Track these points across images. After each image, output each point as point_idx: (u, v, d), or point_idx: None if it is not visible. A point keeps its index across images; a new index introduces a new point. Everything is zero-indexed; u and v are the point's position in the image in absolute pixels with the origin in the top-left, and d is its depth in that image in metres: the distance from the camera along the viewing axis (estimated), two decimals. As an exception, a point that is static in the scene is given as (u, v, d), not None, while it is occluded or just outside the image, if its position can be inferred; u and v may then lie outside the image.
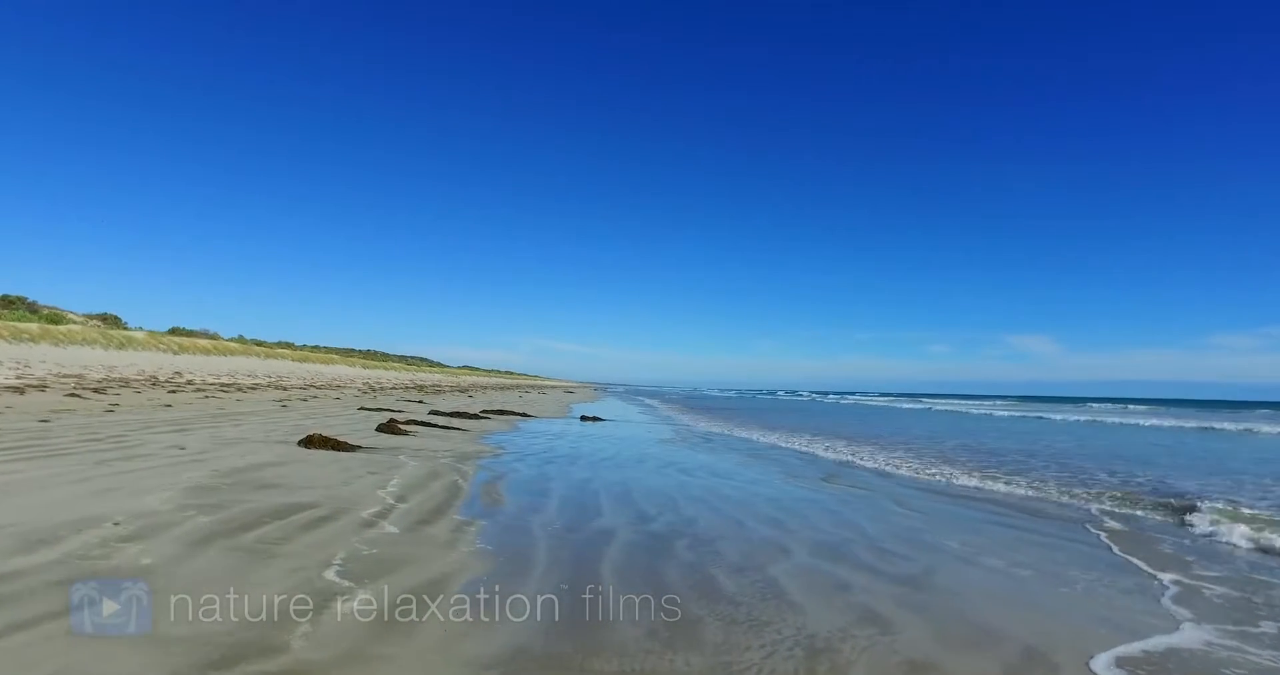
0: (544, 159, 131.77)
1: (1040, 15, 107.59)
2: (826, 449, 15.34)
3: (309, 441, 10.31)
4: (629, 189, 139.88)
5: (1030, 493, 9.74)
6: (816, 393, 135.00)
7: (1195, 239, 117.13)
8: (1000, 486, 10.20)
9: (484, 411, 21.74)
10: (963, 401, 76.89)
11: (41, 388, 16.70)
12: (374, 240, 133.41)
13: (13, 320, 28.79)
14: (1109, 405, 64.92)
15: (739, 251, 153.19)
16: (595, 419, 23.73)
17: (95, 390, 17.61)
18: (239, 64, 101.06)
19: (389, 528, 5.40)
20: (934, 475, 11.33)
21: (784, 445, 16.00)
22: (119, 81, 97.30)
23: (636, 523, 6.38)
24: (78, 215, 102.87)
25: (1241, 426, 27.99)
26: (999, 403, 75.40)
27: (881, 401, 69.18)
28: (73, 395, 15.54)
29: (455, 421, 17.25)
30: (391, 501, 6.47)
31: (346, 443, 10.54)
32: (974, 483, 10.55)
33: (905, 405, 57.47)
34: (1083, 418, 34.27)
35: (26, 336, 25.97)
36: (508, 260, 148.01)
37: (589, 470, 10.04)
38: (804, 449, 15.18)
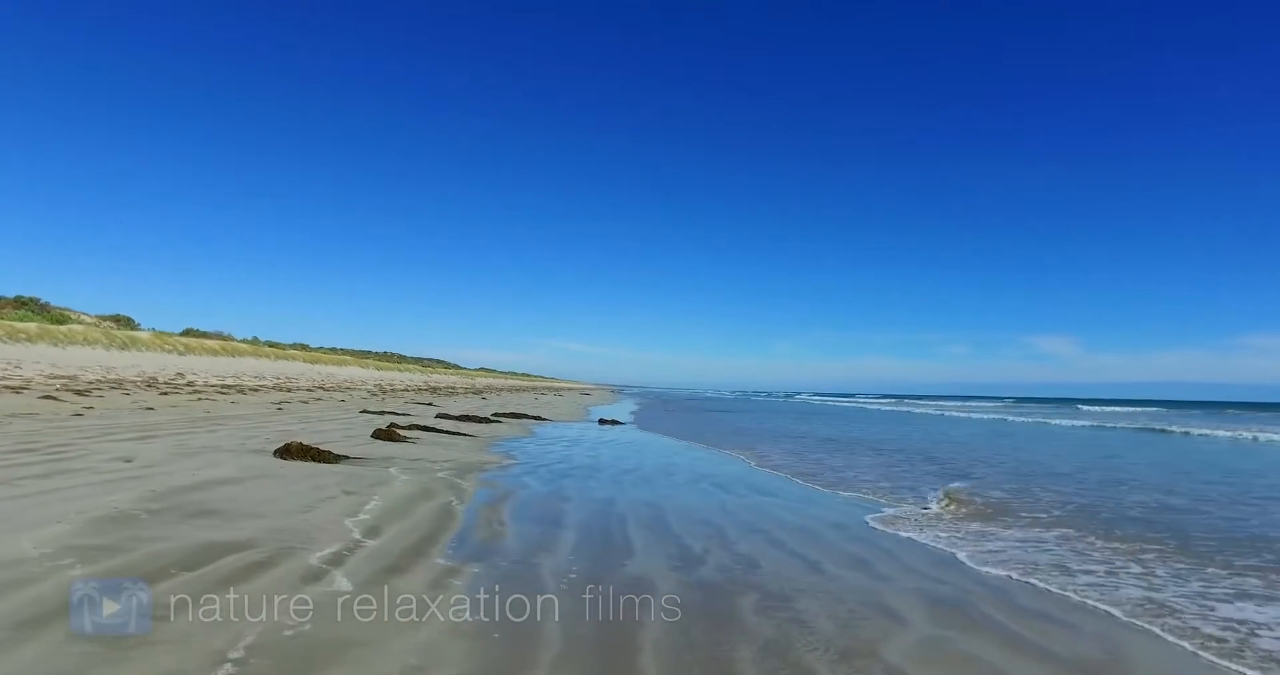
0: (561, 161, 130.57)
1: (1058, 13, 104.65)
2: (864, 459, 13.69)
3: (286, 451, 8.87)
4: (641, 191, 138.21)
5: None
6: (820, 394, 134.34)
7: (1223, 237, 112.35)
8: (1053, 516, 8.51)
9: (495, 414, 20.31)
10: (948, 403, 75.08)
11: (18, 390, 15.51)
12: (394, 243, 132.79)
13: (13, 320, 27.89)
14: (1111, 408, 62.67)
15: (754, 253, 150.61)
16: (614, 422, 22.25)
17: (78, 392, 16.40)
18: (259, 67, 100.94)
19: (341, 581, 3.89)
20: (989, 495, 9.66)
21: (814, 450, 14.35)
22: (144, 87, 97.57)
23: (680, 566, 4.82)
24: (99, 219, 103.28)
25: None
26: (991, 404, 72.87)
27: (877, 403, 66.87)
28: (48, 398, 14.30)
29: (463, 426, 15.81)
30: (359, 536, 4.97)
31: (330, 452, 9.10)
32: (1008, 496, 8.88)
33: (882, 407, 55.95)
34: (1081, 422, 32.98)
35: (23, 336, 24.98)
36: (527, 262, 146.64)
37: (611, 486, 8.50)
38: (840, 455, 13.52)
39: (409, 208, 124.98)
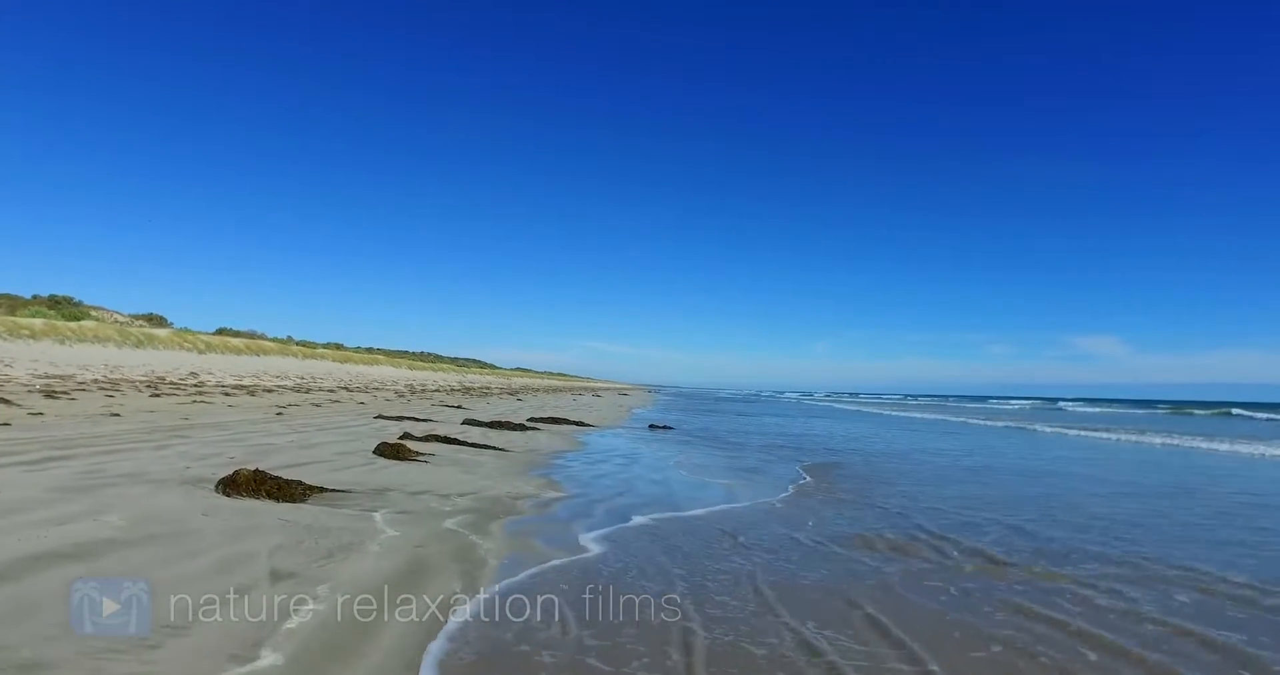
0: (597, 163, 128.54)
1: (1095, 10, 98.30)
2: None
3: (232, 483, 6.11)
4: (676, 193, 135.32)
5: None
6: (833, 393, 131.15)
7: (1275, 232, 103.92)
8: None
9: (532, 419, 17.53)
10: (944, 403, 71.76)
11: (-25, 391, 13.27)
12: (435, 246, 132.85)
13: (27, 317, 26.23)
14: (1091, 408, 59.81)
15: (788, 253, 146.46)
16: (665, 427, 19.33)
17: (50, 394, 14.12)
18: (297, 71, 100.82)
19: None
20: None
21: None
22: (191, 99, 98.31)
23: None
24: (150, 224, 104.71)
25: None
26: (976, 406, 67.70)
27: (862, 406, 62.39)
28: (1, 401, 11.97)
29: (493, 435, 13.06)
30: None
31: (300, 483, 6.33)
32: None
33: (860, 408, 52.43)
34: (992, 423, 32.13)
35: (26, 332, 23.09)
36: (563, 264, 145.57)
37: (713, 542, 5.51)
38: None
39: (449, 210, 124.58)
